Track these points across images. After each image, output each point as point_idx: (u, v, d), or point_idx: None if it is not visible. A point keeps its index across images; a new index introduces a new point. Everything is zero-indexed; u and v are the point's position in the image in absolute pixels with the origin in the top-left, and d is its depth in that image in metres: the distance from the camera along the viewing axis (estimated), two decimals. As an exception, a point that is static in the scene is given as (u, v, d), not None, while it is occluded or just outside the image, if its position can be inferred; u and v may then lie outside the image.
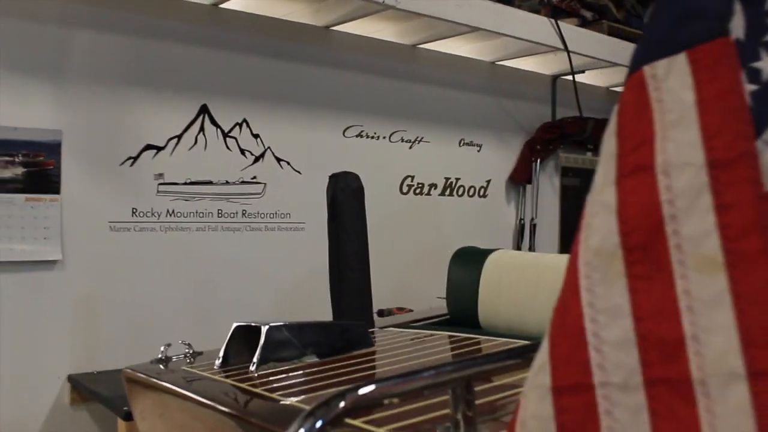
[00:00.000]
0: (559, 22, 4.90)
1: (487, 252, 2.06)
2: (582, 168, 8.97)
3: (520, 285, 1.91)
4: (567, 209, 6.17)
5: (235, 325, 2.00)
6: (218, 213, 4.00)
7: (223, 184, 4.01)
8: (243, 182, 4.09)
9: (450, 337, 1.95)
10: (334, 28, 4.40)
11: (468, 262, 2.08)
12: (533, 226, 5.67)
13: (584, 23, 5.40)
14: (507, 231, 5.60)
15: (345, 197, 2.64)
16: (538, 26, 4.85)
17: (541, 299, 1.84)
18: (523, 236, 5.64)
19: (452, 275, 2.14)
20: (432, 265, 4.83)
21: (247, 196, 4.11)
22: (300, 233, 4.30)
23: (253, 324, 1.93)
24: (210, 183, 3.96)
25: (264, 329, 1.84)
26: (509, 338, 1.80)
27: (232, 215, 4.05)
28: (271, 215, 4.21)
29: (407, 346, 1.96)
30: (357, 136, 4.62)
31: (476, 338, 1.87)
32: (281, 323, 1.87)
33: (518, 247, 5.60)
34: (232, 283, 4.02)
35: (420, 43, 4.82)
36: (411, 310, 3.86)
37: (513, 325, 1.91)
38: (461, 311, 2.08)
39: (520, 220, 5.64)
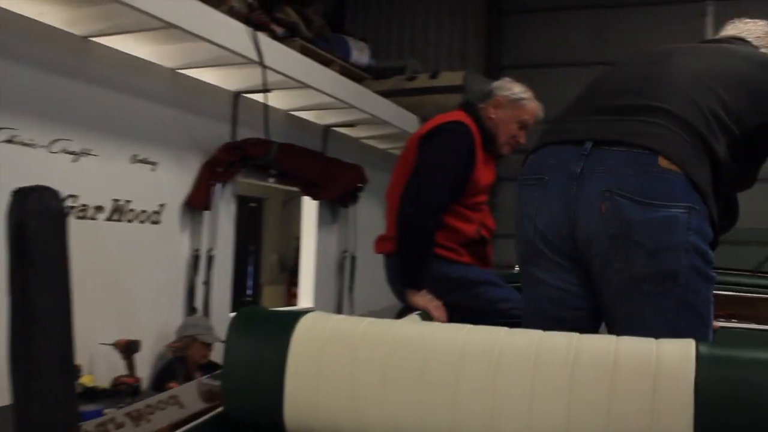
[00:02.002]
0: (257, 33, 4.39)
1: (294, 316, 1.45)
2: (259, 197, 8.53)
3: (358, 368, 1.34)
4: (242, 239, 5.64)
5: None
6: None
7: None
8: None
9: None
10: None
11: (263, 332, 1.45)
12: (210, 258, 5.03)
13: (275, 39, 4.96)
14: (180, 263, 4.88)
15: (39, 224, 1.77)
16: (235, 34, 4.28)
17: (392, 390, 1.30)
18: (198, 269, 4.97)
19: (235, 350, 1.49)
20: (96, 304, 3.96)
21: None
22: None
23: None
24: None
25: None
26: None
27: None
28: None
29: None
30: (6, 141, 3.58)
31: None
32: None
33: (192, 283, 4.92)
34: None
35: (94, 36, 3.94)
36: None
37: (344, 429, 1.33)
38: (252, 407, 1.44)
39: (196, 250, 4.97)
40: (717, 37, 2.16)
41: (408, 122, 6.74)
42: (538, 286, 1.85)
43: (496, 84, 3.17)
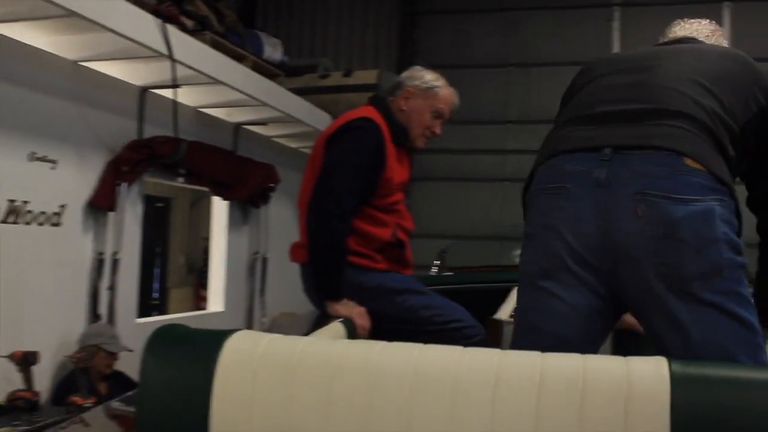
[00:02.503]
0: (166, 25, 4.16)
1: (220, 335, 1.30)
2: (166, 197, 8.21)
3: (297, 395, 1.20)
4: (148, 240, 5.38)
5: None
6: None
7: None
8: None
9: None
10: None
11: (185, 353, 1.29)
12: (115, 262, 4.76)
13: (185, 32, 4.73)
14: (82, 267, 4.60)
15: None
16: (143, 25, 4.05)
17: (336, 419, 1.17)
18: (102, 273, 4.70)
19: (152, 374, 1.33)
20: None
21: None
22: None
23: None
24: None
25: None
26: None
27: None
28: None
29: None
30: None
31: None
32: None
33: (95, 288, 4.64)
34: None
35: (-13, 23, 3.65)
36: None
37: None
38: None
39: (100, 254, 4.69)
40: (673, 38, 2.13)
41: (321, 121, 6.60)
42: (551, 301, 1.73)
43: (405, 74, 2.99)
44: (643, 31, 8.47)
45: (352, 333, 2.67)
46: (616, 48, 8.69)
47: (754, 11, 8.22)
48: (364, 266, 2.83)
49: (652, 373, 1.11)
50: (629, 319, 2.01)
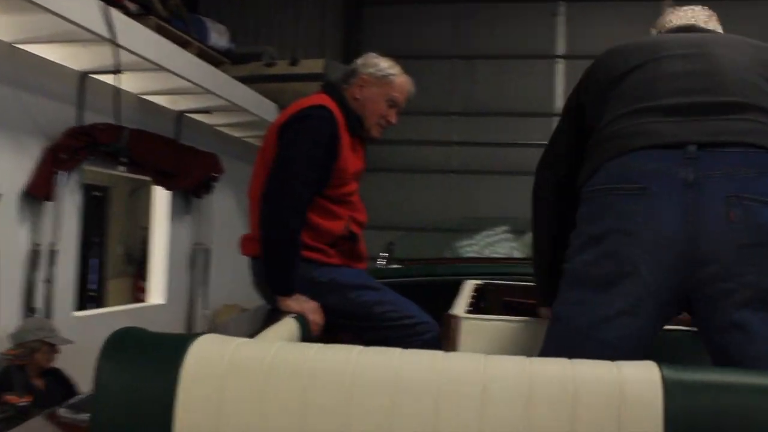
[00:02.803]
0: (109, 8, 4.01)
1: (184, 340, 1.22)
2: (104, 186, 7.95)
3: (269, 405, 1.13)
4: (86, 230, 5.20)
5: None
6: None
7: None
8: None
9: None
10: None
11: (145, 359, 1.21)
12: (52, 253, 4.58)
13: (128, 16, 4.56)
14: (17, 259, 4.41)
15: None
16: (84, 7, 3.88)
17: (312, 430, 1.10)
18: (38, 266, 4.51)
19: (108, 381, 1.24)
20: None
21: None
22: None
23: None
24: None
25: None
26: None
27: None
28: None
29: None
30: None
31: None
32: None
33: (30, 281, 4.46)
34: None
35: None
36: None
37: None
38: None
39: (36, 245, 4.50)
40: (681, 24, 2.03)
41: (267, 110, 6.48)
42: (609, 309, 1.60)
43: (359, 61, 2.88)
44: (589, 26, 8.60)
45: (306, 329, 2.60)
46: (561, 43, 8.78)
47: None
48: (317, 260, 2.76)
49: (644, 378, 1.08)
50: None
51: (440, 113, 8.94)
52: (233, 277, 5.62)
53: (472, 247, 5.75)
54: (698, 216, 1.55)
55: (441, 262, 5.08)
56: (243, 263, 2.79)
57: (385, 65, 2.89)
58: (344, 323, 2.90)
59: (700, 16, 2.04)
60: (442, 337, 2.40)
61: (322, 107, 2.74)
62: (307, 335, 2.64)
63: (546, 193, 2.07)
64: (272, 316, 2.72)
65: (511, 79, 8.79)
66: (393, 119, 2.96)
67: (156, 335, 1.29)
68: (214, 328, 5.69)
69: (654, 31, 2.13)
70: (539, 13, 8.81)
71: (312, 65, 6.65)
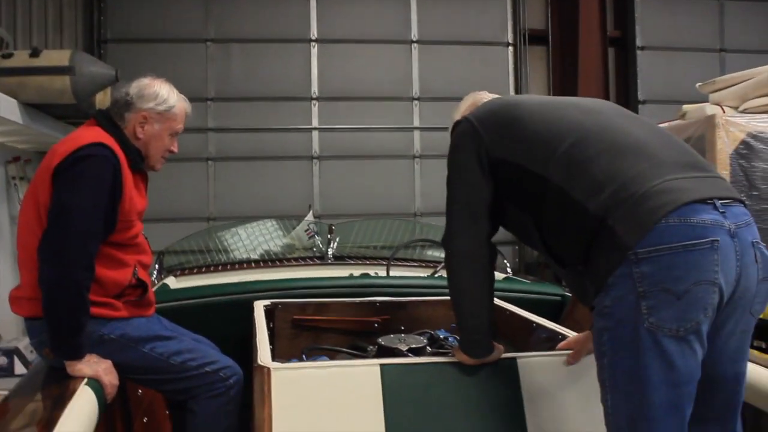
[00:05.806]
0: None
1: None
2: None
3: None
4: None
5: None
6: None
7: None
8: None
9: None
10: None
11: None
12: None
13: None
14: None
15: None
16: None
17: None
18: None
19: None
20: None
21: None
22: None
23: None
24: None
25: None
26: None
27: None
28: None
29: None
30: None
31: None
32: None
33: None
34: None
35: None
36: None
37: None
38: None
39: None
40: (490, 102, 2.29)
41: (6, 108, 5.83)
42: (691, 359, 1.80)
43: (133, 91, 2.66)
44: (339, 14, 8.74)
45: (101, 395, 2.41)
46: (314, 28, 8.80)
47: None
48: (104, 316, 2.55)
49: None
50: None
51: (196, 99, 8.64)
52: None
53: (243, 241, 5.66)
54: (742, 260, 1.81)
55: (217, 270, 4.90)
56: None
57: (163, 94, 2.70)
58: (142, 378, 2.73)
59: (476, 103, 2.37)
60: (255, 390, 2.30)
61: (101, 145, 2.49)
62: (103, 402, 2.44)
63: (484, 250, 2.17)
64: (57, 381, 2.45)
65: (268, 64, 8.70)
66: (175, 148, 2.83)
67: None
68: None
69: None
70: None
71: (57, 57, 6.03)
